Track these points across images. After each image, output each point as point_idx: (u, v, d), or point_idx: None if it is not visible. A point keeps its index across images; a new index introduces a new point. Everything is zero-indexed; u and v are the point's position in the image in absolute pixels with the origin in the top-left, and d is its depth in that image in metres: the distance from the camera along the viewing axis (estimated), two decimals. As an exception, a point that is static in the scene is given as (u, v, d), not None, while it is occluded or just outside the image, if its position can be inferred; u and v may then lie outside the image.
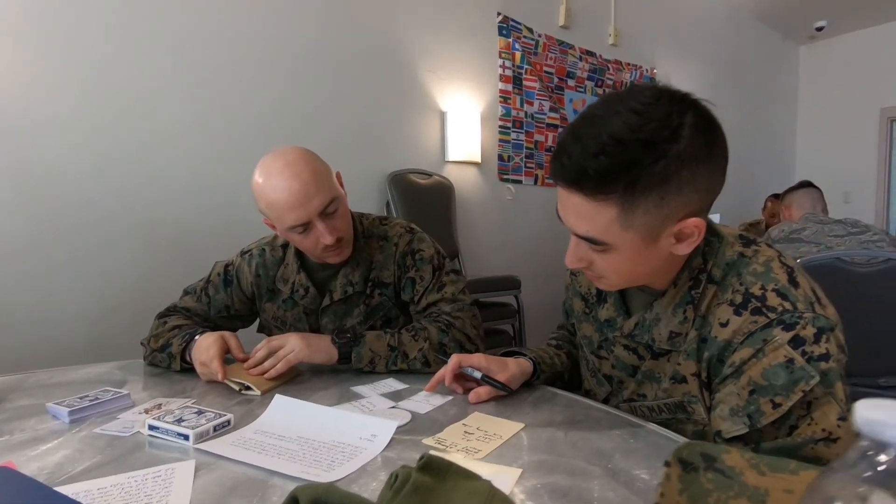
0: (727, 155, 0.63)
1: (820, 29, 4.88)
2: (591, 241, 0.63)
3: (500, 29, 2.83)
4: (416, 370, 0.95)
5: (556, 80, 3.12)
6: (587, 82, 3.30)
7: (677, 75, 3.97)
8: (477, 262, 2.73)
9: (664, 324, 0.69)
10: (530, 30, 2.97)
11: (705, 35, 4.22)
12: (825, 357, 0.58)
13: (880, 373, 1.84)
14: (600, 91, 3.38)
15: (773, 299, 0.61)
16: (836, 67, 5.18)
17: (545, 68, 3.05)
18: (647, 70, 3.71)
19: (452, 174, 2.65)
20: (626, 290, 0.77)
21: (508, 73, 2.87)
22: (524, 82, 2.95)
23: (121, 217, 1.73)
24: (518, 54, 2.91)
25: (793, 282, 0.63)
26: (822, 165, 5.30)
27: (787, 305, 0.61)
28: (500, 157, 2.87)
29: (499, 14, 2.82)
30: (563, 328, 1.01)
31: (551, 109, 3.08)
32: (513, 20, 2.88)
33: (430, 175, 2.50)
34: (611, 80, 3.44)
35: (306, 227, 0.94)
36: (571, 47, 3.19)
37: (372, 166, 2.35)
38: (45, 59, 1.59)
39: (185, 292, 1.13)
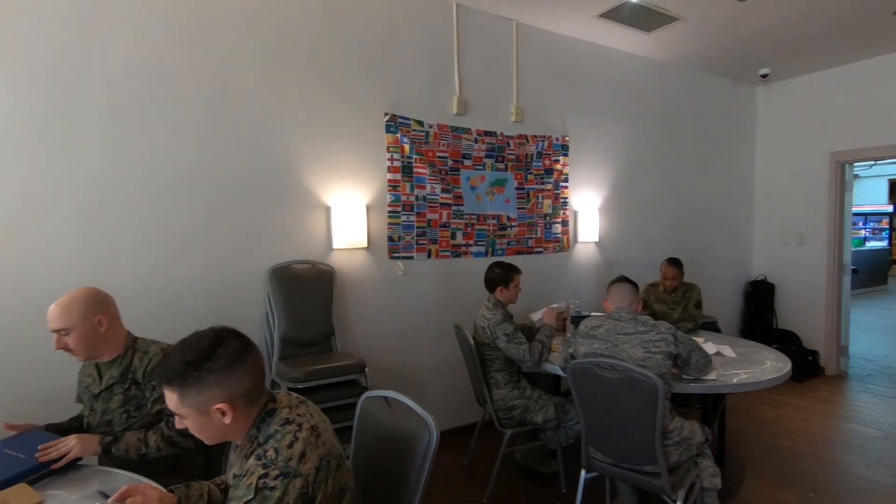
0: (258, 362, 1.13)
1: (765, 76, 4.93)
2: (176, 413, 1.10)
3: (388, 127, 3.22)
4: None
5: (450, 162, 3.47)
6: (486, 160, 3.63)
7: (592, 137, 4.21)
8: (367, 336, 3.14)
9: (234, 468, 1.16)
10: (420, 122, 3.34)
11: (628, 93, 4.41)
12: (272, 488, 1.00)
13: (645, 461, 2.10)
14: (501, 166, 3.69)
15: (270, 453, 1.06)
16: (789, 109, 5.20)
17: (438, 154, 3.42)
18: (556, 138, 3.98)
19: (340, 259, 3.06)
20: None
21: (397, 164, 3.26)
22: (414, 170, 3.32)
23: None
24: (407, 146, 3.29)
25: (290, 445, 1.06)
26: (778, 208, 5.32)
27: (273, 457, 1.04)
28: (391, 238, 3.26)
29: (386, 114, 3.22)
30: None
31: (443, 191, 3.43)
32: (401, 117, 3.27)
33: (311, 263, 2.93)
34: (513, 154, 3.74)
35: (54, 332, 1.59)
36: (467, 131, 3.53)
37: (257, 263, 2.80)
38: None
39: None
